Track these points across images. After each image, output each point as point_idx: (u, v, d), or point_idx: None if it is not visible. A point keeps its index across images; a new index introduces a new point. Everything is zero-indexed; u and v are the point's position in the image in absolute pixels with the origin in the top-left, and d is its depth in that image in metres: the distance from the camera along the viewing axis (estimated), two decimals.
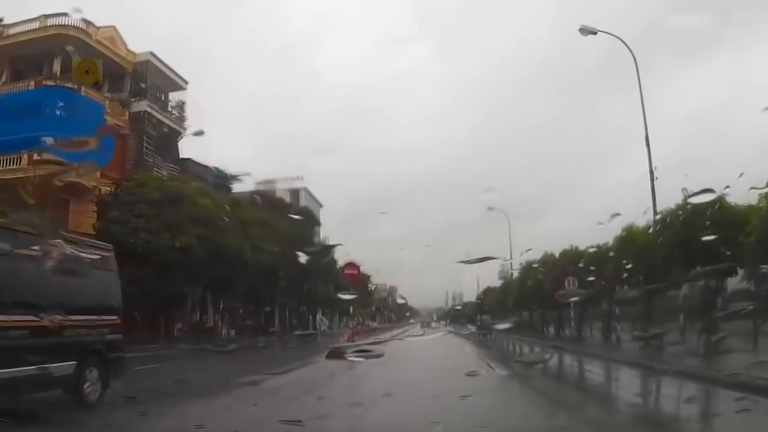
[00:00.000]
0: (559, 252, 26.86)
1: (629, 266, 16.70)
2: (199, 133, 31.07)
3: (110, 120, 27.17)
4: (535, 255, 29.63)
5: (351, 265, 25.17)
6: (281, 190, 73.48)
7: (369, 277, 65.79)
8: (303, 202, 76.23)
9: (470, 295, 70.93)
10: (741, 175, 14.86)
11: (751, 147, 30.24)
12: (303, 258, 24.65)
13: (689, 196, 14.32)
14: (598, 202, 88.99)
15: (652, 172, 17.14)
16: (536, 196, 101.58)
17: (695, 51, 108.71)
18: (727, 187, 14.86)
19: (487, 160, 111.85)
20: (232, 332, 37.38)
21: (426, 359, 17.96)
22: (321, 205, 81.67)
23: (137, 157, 29.80)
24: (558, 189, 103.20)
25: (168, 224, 22.24)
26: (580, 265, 22.12)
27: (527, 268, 31.61)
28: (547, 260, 28.08)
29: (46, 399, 7.93)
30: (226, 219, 24.99)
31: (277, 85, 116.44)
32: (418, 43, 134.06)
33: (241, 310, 42.04)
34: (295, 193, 76.82)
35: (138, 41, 32.73)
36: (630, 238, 18.28)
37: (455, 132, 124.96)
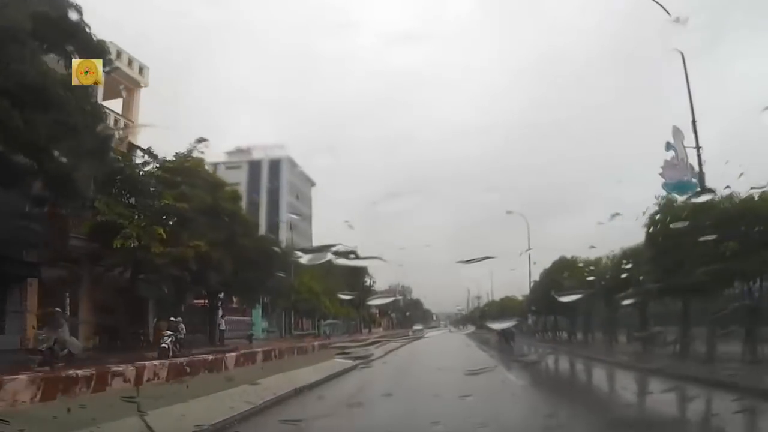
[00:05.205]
0: None
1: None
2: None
3: None
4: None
5: None
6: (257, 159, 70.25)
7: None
8: (286, 174, 72.11)
9: (510, 290, 56.91)
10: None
11: None
12: None
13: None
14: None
15: None
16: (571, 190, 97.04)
17: None
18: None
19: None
20: None
21: None
22: (313, 184, 76.80)
23: None
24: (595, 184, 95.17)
25: None
26: None
27: None
28: None
29: None
30: None
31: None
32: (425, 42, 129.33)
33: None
34: (275, 163, 73.25)
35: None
36: None
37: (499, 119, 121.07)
